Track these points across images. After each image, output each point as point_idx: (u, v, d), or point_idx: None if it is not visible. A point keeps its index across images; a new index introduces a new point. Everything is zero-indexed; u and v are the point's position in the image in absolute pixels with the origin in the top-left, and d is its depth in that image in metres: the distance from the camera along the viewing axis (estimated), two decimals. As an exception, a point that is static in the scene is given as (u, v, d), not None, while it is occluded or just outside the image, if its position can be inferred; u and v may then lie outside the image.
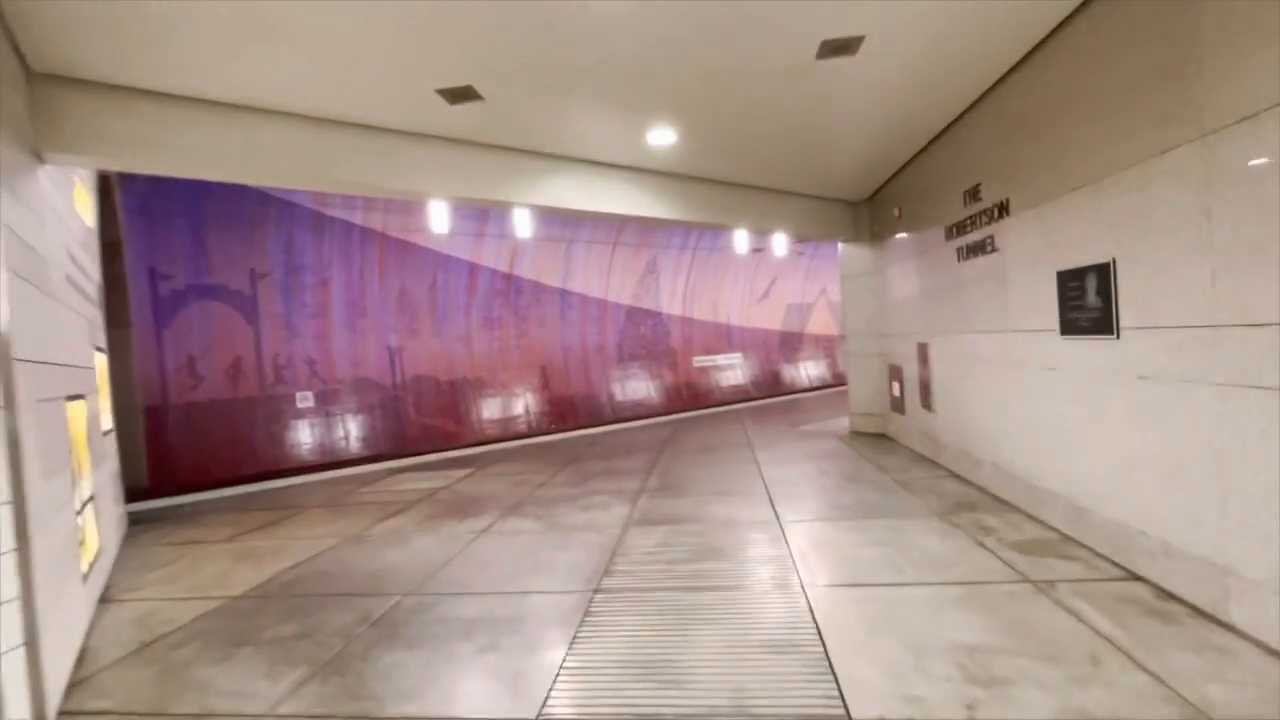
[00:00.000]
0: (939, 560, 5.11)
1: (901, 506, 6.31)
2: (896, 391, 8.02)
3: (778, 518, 6.21)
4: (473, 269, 15.64)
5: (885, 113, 6.31)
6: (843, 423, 10.51)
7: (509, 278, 16.33)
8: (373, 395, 14.08)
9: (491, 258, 15.84)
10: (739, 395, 22.17)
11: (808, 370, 25.92)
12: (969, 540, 5.54)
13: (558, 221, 16.18)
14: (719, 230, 13.94)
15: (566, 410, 17.51)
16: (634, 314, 19.62)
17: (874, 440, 8.28)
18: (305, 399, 13.15)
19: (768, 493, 7.25)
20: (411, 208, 13.59)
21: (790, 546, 5.45)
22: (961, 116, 6.40)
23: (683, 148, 6.42)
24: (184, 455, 11.49)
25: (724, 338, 22.72)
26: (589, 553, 5.64)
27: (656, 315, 20.31)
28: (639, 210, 6.75)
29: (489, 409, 16.00)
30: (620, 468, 9.27)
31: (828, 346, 27.07)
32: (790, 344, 25.42)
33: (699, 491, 7.44)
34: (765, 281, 23.49)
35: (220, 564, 6.12)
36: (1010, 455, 6.07)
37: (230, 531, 7.38)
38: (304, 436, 13.08)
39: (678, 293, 20.74)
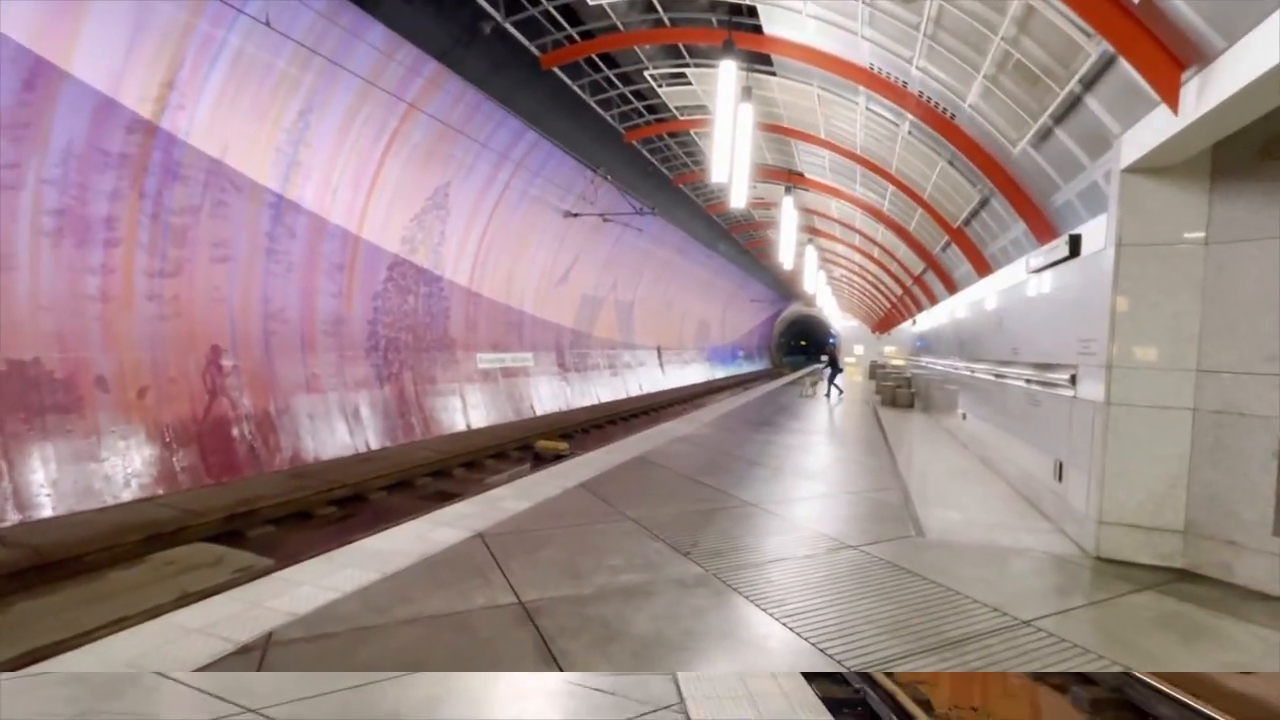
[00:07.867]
0: None
1: None
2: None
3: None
4: (37, 70, 5.86)
5: None
6: (982, 521, 4.82)
7: (153, 132, 6.84)
8: None
9: (99, 57, 6.24)
10: (525, 419, 15.17)
11: (597, 388, 20.07)
12: None
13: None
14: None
15: (262, 438, 8.40)
16: (402, 270, 11.25)
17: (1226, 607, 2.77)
18: None
19: None
20: None
21: None
22: None
23: None
24: None
25: (515, 329, 15.45)
26: None
27: (435, 280, 12.19)
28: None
29: (56, 460, 6.22)
30: None
31: (610, 357, 21.63)
32: (579, 347, 19.27)
33: None
34: (568, 258, 16.96)
35: None
36: None
37: None
38: None
39: (468, 249, 12.92)
